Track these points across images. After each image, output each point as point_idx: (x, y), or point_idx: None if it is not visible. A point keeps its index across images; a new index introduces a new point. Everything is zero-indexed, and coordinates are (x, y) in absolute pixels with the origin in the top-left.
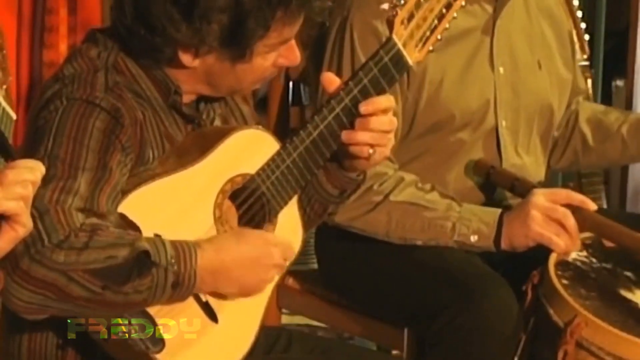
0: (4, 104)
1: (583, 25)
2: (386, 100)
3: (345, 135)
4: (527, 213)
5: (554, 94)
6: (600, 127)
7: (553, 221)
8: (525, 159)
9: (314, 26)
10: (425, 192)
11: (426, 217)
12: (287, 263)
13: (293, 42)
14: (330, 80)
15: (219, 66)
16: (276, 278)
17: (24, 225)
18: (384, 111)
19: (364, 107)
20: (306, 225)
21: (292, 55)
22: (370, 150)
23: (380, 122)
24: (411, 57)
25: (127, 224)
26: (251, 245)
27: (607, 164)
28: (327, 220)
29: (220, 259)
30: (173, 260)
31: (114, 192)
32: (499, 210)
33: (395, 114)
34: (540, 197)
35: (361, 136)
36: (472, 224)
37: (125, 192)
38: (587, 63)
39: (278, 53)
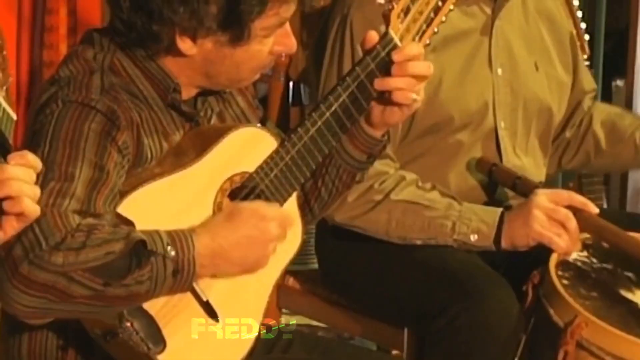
0: (5, 104)
1: (583, 25)
2: (416, 48)
3: (379, 83)
4: (529, 213)
5: (553, 95)
6: (614, 131)
7: (554, 222)
8: (524, 160)
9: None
10: (425, 191)
11: (426, 216)
12: (287, 231)
13: (289, 28)
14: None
15: (217, 52)
16: (285, 263)
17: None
18: (415, 58)
19: (396, 56)
20: (333, 199)
21: (289, 41)
22: (414, 96)
23: (416, 66)
24: None
25: (123, 222)
26: (246, 223)
27: (619, 168)
28: (328, 219)
29: (217, 243)
30: (170, 247)
31: (112, 194)
32: (500, 210)
33: None
34: (542, 198)
35: (398, 82)
36: (472, 224)
37: (123, 194)
38: (587, 63)
39: (275, 39)
